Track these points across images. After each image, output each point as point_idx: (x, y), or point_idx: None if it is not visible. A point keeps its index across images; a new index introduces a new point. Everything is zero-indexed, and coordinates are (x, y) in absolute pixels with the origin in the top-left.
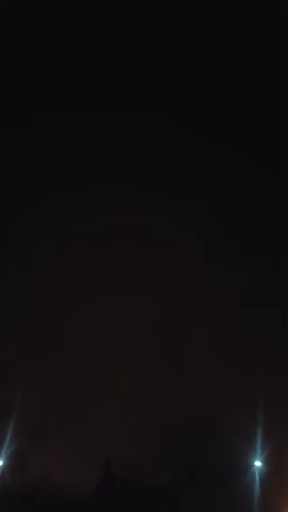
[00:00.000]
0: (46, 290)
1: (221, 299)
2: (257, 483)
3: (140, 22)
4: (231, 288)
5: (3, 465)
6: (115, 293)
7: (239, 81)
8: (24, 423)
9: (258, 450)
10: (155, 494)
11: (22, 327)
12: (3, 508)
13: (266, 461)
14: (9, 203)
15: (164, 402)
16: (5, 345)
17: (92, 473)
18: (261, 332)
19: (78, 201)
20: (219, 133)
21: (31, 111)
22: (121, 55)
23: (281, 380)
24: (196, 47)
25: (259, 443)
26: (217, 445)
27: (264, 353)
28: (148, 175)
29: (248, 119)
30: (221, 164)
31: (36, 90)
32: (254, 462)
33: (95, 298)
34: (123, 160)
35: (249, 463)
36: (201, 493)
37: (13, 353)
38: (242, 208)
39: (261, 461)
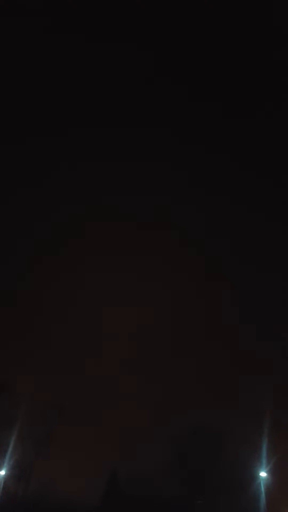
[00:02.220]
0: (51, 296)
1: (225, 310)
2: (262, 494)
3: (139, 22)
4: (237, 301)
5: (6, 474)
6: (120, 301)
7: (240, 84)
8: (28, 432)
9: (264, 461)
10: (161, 504)
11: (27, 337)
12: None
13: (272, 472)
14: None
15: (170, 414)
16: (10, 355)
17: (97, 484)
18: (267, 345)
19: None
20: (218, 141)
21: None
22: (121, 57)
23: (287, 392)
24: (196, 48)
25: (264, 454)
26: (223, 456)
27: (270, 365)
28: (148, 183)
29: (248, 124)
30: (221, 174)
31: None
32: (259, 473)
33: (100, 303)
34: (125, 168)
35: (255, 474)
36: (207, 504)
37: (18, 362)
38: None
39: (266, 472)
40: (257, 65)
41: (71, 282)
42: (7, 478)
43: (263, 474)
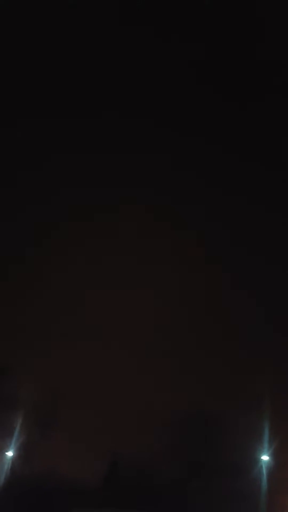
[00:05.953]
0: (49, 278)
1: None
2: (264, 477)
3: (139, 22)
4: (235, 287)
5: (13, 456)
6: (120, 286)
7: (240, 81)
8: (32, 414)
9: (266, 444)
10: (162, 487)
11: (26, 317)
12: (13, 499)
13: (274, 455)
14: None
15: (171, 397)
16: (11, 336)
17: (98, 466)
18: (269, 328)
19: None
20: (219, 132)
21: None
22: (119, 56)
23: None
24: (196, 47)
25: (266, 437)
26: (224, 439)
27: (271, 347)
28: (147, 175)
29: (248, 120)
30: (221, 164)
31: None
32: (261, 456)
33: (102, 287)
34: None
35: (256, 457)
36: (207, 487)
37: (19, 343)
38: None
39: (268, 455)
40: (257, 54)
41: (72, 265)
42: (14, 459)
43: (265, 457)
